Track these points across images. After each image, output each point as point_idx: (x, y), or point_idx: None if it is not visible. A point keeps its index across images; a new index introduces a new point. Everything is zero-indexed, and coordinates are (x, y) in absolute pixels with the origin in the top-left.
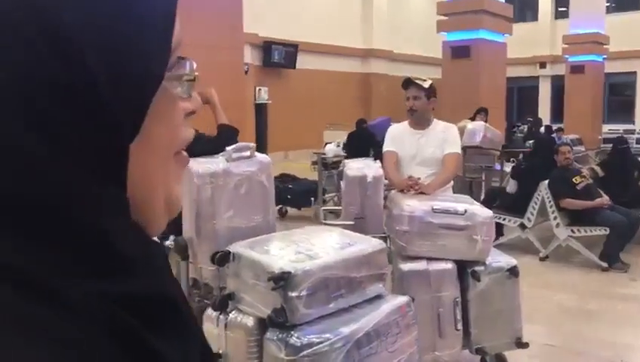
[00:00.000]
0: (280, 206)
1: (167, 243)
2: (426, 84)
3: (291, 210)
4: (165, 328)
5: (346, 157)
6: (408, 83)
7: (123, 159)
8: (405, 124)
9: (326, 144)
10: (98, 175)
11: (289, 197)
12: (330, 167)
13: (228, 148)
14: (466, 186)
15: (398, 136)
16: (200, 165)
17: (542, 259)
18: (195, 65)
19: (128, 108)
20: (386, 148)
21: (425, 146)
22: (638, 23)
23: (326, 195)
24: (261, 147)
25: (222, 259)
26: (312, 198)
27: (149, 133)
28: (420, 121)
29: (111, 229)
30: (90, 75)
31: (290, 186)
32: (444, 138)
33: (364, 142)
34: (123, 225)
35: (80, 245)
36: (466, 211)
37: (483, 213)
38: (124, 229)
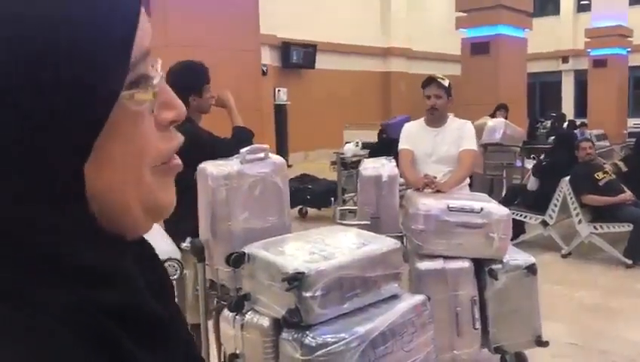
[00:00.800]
0: (300, 206)
1: (184, 245)
2: (446, 83)
3: (311, 211)
4: (142, 338)
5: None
6: (430, 81)
7: (78, 180)
8: (421, 121)
9: (346, 143)
10: (55, 196)
11: (309, 197)
12: (349, 166)
13: (242, 150)
14: (487, 184)
15: (413, 134)
16: (214, 167)
17: (564, 257)
18: (157, 79)
19: (80, 130)
20: (401, 146)
21: (441, 144)
22: None
23: (345, 195)
24: (281, 148)
25: (237, 260)
26: (332, 198)
27: (109, 151)
28: (438, 119)
29: (72, 247)
30: (38, 97)
31: (309, 187)
32: (460, 135)
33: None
34: (86, 241)
35: (46, 264)
36: (482, 209)
37: (499, 210)
38: (87, 245)
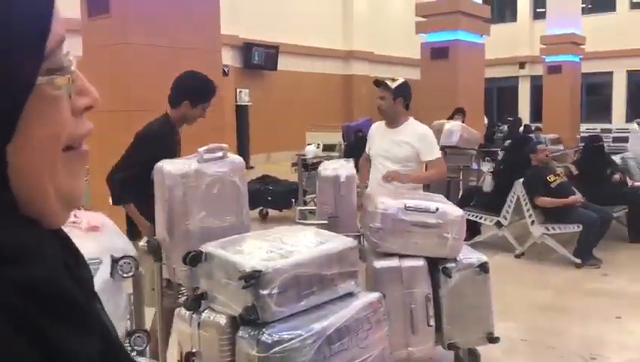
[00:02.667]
0: (261, 207)
1: (141, 244)
2: (393, 85)
3: (272, 212)
4: (56, 316)
5: None
6: (378, 83)
7: (0, 160)
8: (383, 122)
9: (307, 145)
10: None
11: (269, 198)
12: (310, 168)
13: (200, 149)
14: (443, 185)
15: (373, 134)
16: (171, 166)
17: (517, 257)
18: (73, 65)
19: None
20: (366, 148)
21: (396, 144)
22: (613, 23)
23: (307, 196)
24: (243, 149)
25: (194, 259)
26: (293, 199)
27: (28, 133)
28: (390, 120)
29: None
30: None
31: (270, 188)
32: (419, 140)
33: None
34: (8, 220)
35: None
36: (437, 209)
37: (454, 211)
38: (9, 224)
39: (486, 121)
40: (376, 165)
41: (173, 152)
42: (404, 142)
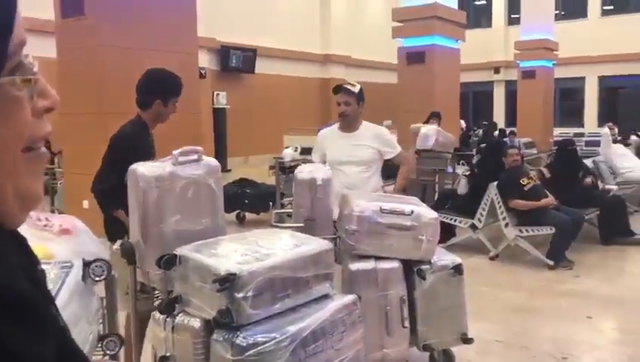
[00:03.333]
0: (238, 211)
1: (115, 247)
2: (356, 89)
3: (250, 215)
4: (11, 317)
5: None
6: (339, 89)
7: None
8: (334, 127)
9: (285, 148)
10: None
11: (247, 202)
12: (288, 171)
13: (175, 152)
14: (419, 188)
15: (326, 142)
16: (145, 168)
17: (492, 259)
18: (35, 67)
19: None
20: (312, 156)
21: (356, 148)
22: (586, 29)
23: (284, 199)
24: (220, 152)
25: (168, 262)
26: (270, 203)
27: None
28: (350, 124)
29: None
30: None
31: (248, 191)
32: (379, 140)
33: None
34: None
35: None
36: (412, 212)
37: (428, 213)
38: None
39: (464, 125)
40: (341, 170)
41: (149, 154)
42: (365, 145)
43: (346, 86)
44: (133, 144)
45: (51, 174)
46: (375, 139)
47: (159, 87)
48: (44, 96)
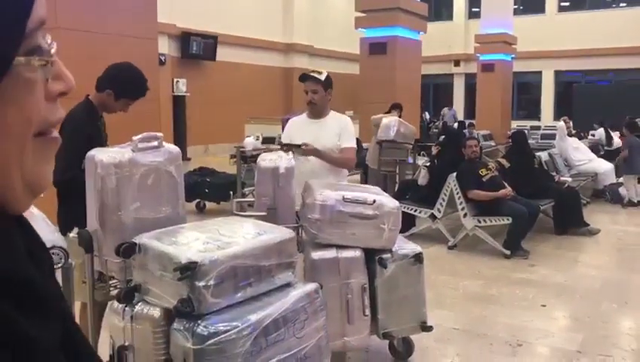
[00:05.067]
0: (198, 200)
1: (72, 235)
2: (322, 77)
3: (210, 205)
4: (19, 301)
5: None
6: (305, 77)
7: None
8: (304, 116)
9: (246, 137)
10: None
11: (207, 191)
12: (249, 160)
13: (134, 138)
14: (381, 179)
15: (294, 129)
16: (104, 154)
17: (450, 248)
18: (53, 49)
19: None
20: (282, 140)
21: (322, 135)
22: (543, 25)
23: (245, 189)
24: (180, 140)
25: (127, 250)
26: (231, 192)
27: (1, 115)
28: (318, 112)
29: None
30: None
31: (208, 180)
32: (341, 129)
33: None
34: None
35: None
36: (374, 201)
37: (390, 203)
38: None
39: (428, 116)
40: (307, 158)
41: (100, 137)
42: (331, 133)
43: (312, 74)
44: (83, 125)
45: None
46: (340, 127)
47: (119, 80)
48: (59, 79)
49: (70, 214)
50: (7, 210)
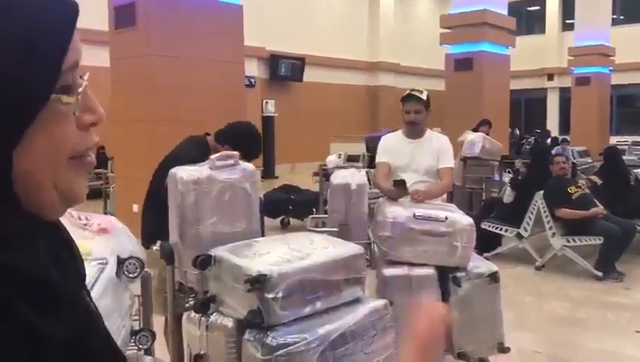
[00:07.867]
0: (282, 216)
1: (154, 248)
2: (424, 96)
3: (294, 221)
4: (33, 298)
5: None
6: (409, 97)
7: (5, 162)
8: (399, 133)
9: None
10: None
11: (291, 208)
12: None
13: (212, 157)
14: (466, 196)
15: (392, 146)
16: (184, 172)
17: (538, 269)
18: (82, 86)
19: (13, 122)
20: (378, 158)
21: (419, 155)
22: None
23: (327, 206)
24: (268, 159)
25: (203, 262)
26: (314, 209)
27: (30, 142)
28: (418, 132)
29: None
30: None
31: (292, 197)
32: (439, 149)
33: None
34: (6, 212)
35: None
36: (447, 218)
37: (464, 220)
38: (5, 216)
39: (517, 132)
40: (400, 175)
41: None
42: (429, 154)
43: (415, 94)
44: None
45: (104, 178)
46: (439, 147)
47: (240, 143)
48: (91, 112)
49: (148, 229)
50: (43, 215)
